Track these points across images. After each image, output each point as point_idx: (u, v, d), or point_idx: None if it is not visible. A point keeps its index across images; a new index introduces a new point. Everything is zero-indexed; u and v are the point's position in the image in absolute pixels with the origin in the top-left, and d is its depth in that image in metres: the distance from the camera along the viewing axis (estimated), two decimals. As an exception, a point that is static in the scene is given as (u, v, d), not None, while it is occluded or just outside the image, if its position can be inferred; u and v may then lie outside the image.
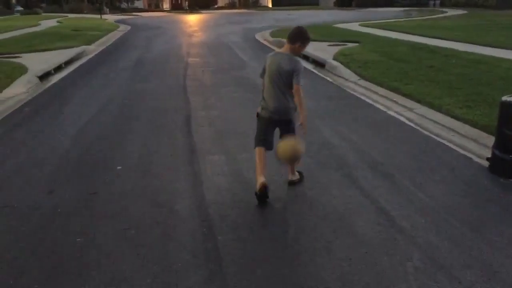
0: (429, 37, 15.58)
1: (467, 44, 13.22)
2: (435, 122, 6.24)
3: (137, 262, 3.09)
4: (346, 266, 3.01)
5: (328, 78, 9.91)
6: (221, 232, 3.47)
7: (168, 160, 5.03)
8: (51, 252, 3.25)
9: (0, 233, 3.53)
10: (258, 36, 19.41)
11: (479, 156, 4.96)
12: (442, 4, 46.49)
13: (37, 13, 44.51)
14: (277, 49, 4.43)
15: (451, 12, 35.03)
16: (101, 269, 3.01)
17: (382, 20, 26.22)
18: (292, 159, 4.17)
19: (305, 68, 12.47)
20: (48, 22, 28.91)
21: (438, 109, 6.65)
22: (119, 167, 4.82)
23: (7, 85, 8.85)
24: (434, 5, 47.03)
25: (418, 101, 7.17)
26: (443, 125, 6.07)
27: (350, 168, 4.68)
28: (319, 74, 10.49)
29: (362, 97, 7.98)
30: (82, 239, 3.40)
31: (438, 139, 5.61)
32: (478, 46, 12.82)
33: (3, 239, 3.44)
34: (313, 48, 13.44)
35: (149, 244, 3.32)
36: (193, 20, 36.78)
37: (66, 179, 4.56)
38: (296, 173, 4.36)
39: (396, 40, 15.08)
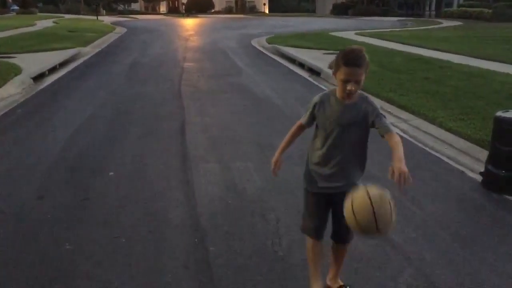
0: (425, 48, 15.66)
1: (463, 56, 13.29)
2: (429, 134, 6.25)
3: (127, 272, 3.04)
4: (338, 280, 2.99)
5: (323, 87, 9.89)
6: (213, 243, 3.44)
7: (161, 167, 4.99)
8: (40, 259, 3.20)
9: (-12, 239, 3.48)
10: (254, 42, 19.42)
11: (472, 170, 4.96)
12: (438, 15, 46.87)
13: (32, 13, 44.42)
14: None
15: (446, 23, 35.28)
16: (90, 279, 2.97)
17: (378, 29, 26.34)
18: (371, 227, 2.25)
19: (300, 76, 12.45)
20: (44, 23, 28.83)
21: (432, 121, 6.66)
22: (111, 173, 4.78)
23: (0, 85, 8.78)
24: (430, 15, 47.39)
25: (413, 113, 7.19)
26: (437, 138, 6.08)
27: (343, 180, 4.65)
28: (314, 82, 10.50)
29: (357, 107, 7.98)
30: (71, 246, 3.36)
31: (432, 151, 5.61)
32: (473, 58, 12.89)
33: (-9, 245, 3.39)
34: (309, 56, 13.50)
35: (140, 253, 3.28)
36: (189, 24, 36.79)
37: (56, 185, 4.51)
38: (340, 281, 2.88)
39: (391, 50, 15.14)
